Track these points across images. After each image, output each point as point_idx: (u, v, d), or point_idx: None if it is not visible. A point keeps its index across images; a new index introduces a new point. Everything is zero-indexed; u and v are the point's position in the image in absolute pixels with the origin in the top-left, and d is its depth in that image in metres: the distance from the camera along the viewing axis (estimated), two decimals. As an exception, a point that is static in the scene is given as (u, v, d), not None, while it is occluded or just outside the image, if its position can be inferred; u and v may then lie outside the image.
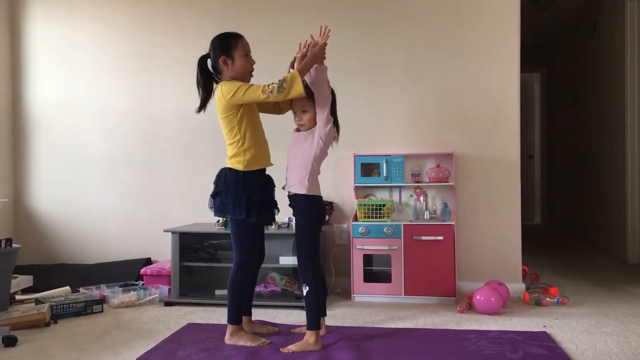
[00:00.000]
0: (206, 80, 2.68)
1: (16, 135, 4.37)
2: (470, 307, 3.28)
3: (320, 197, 2.70)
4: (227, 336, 2.69)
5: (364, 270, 3.53)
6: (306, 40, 2.61)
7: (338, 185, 3.83)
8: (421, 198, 3.73)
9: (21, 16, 4.36)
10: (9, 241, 3.25)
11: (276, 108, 2.82)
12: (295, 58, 2.62)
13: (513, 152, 3.69)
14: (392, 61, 3.82)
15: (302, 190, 2.61)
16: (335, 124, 2.73)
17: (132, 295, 3.51)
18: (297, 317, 3.16)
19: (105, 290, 3.60)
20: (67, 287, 3.66)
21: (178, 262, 3.50)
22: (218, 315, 3.21)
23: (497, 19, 3.70)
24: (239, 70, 2.62)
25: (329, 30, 2.59)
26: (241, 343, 2.65)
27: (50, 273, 4.01)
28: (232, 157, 2.64)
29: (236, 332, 2.69)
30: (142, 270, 3.77)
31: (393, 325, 2.98)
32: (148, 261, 4.05)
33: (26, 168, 4.37)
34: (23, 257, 4.02)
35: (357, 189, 3.75)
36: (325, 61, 2.60)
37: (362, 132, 3.80)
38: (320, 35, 2.59)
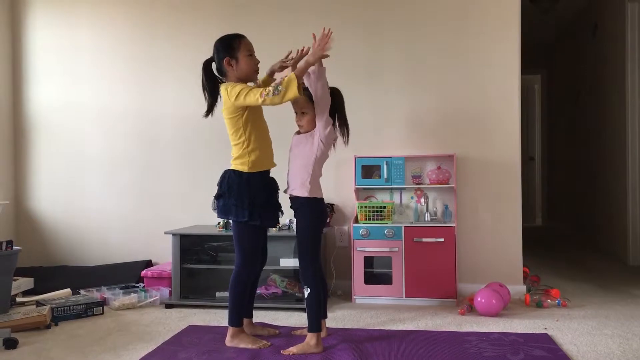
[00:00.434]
0: (212, 85, 2.67)
1: (17, 137, 4.38)
2: (471, 309, 3.27)
3: (322, 199, 2.70)
4: (227, 338, 2.69)
5: (365, 272, 3.53)
6: (297, 49, 2.65)
7: (339, 187, 3.83)
8: (422, 200, 3.73)
9: (22, 19, 4.37)
10: (9, 243, 3.25)
11: None
12: (277, 63, 2.72)
13: (514, 154, 3.68)
14: (392, 63, 3.83)
15: (304, 193, 2.61)
16: (345, 124, 2.73)
17: (132, 298, 3.50)
18: (298, 319, 3.16)
19: (106, 293, 3.60)
20: (68, 289, 3.66)
21: (179, 264, 3.50)
22: (219, 318, 3.21)
23: (497, 20, 3.70)
24: (244, 70, 2.62)
25: (332, 32, 2.57)
26: (242, 345, 2.65)
27: (51, 275, 4.02)
28: (236, 159, 2.64)
29: (237, 334, 2.68)
30: (143, 272, 3.78)
31: (394, 327, 2.98)
32: (149, 263, 4.05)
33: (27, 170, 4.37)
34: (24, 259, 4.02)
35: (357, 190, 3.75)
36: (324, 63, 2.59)
37: (363, 134, 3.79)
38: (323, 35, 2.58)
